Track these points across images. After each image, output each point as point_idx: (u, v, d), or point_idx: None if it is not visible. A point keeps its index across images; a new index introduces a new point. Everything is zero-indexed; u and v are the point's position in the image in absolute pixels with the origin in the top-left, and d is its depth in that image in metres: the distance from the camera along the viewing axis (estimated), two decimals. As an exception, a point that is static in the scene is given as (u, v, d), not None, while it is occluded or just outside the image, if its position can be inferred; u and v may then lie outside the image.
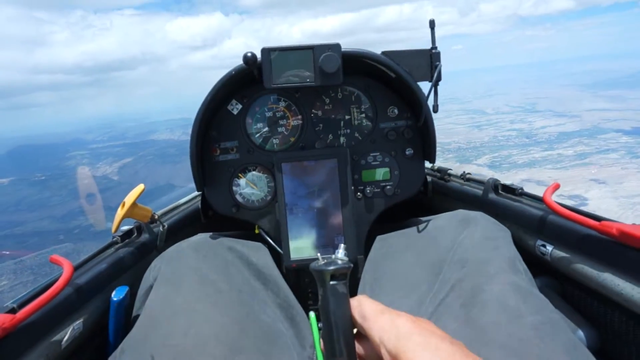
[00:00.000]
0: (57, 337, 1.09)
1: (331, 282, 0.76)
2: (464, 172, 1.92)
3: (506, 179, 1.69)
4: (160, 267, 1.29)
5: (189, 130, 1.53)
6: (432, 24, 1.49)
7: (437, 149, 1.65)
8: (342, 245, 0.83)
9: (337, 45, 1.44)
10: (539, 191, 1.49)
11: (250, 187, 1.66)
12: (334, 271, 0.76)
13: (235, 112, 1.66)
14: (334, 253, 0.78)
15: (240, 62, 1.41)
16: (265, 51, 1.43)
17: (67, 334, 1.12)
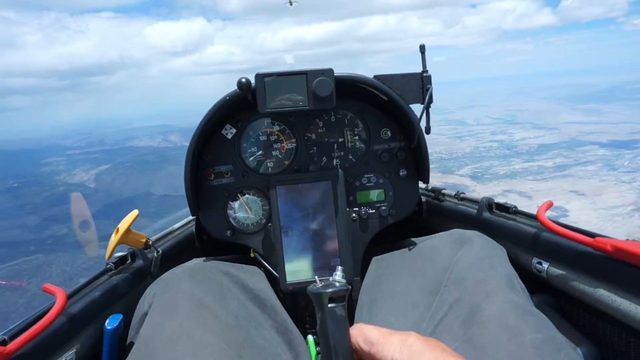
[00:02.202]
0: None
1: (329, 305, 0.76)
2: (458, 191, 1.92)
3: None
4: (155, 294, 1.26)
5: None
6: (422, 49, 1.54)
7: None
8: (339, 268, 0.82)
9: (330, 70, 1.46)
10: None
11: (244, 210, 1.64)
12: (332, 294, 0.76)
13: (229, 136, 1.67)
14: (330, 275, 0.83)
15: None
16: (259, 77, 1.44)
17: None
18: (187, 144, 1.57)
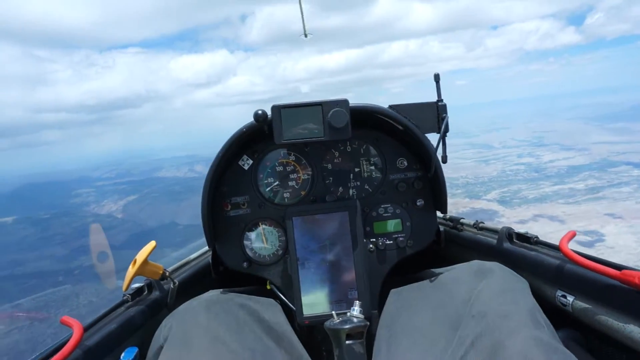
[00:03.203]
0: None
1: (347, 342, 0.76)
2: (477, 220, 1.90)
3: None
4: (171, 327, 1.27)
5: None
6: (436, 78, 1.54)
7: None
8: (357, 302, 0.84)
9: (345, 101, 1.46)
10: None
11: (261, 240, 1.65)
12: (349, 330, 0.76)
13: (246, 167, 1.68)
14: (347, 308, 0.81)
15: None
16: (276, 108, 1.45)
17: None
18: None
